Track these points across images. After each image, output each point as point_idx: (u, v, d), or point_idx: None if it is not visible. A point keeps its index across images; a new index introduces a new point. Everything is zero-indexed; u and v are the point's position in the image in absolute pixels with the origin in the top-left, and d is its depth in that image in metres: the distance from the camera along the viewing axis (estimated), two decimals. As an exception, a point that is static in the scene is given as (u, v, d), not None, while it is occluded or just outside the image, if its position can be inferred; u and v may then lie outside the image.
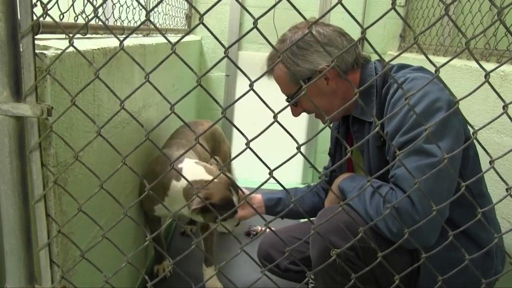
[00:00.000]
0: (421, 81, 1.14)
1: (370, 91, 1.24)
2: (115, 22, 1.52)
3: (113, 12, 1.49)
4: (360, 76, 1.29)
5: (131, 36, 1.63)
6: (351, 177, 1.30)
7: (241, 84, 3.28)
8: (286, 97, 1.37)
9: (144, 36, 1.78)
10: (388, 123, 1.16)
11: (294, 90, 1.30)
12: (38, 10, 0.83)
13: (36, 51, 0.78)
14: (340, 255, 1.12)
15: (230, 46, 0.67)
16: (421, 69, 1.24)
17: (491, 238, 1.16)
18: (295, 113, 1.37)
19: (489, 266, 1.19)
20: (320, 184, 1.62)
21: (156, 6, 0.70)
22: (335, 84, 1.27)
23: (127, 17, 1.60)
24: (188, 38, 2.88)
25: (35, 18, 0.75)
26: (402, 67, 1.26)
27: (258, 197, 1.63)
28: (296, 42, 1.22)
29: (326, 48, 1.22)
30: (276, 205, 1.59)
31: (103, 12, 1.37)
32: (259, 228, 2.45)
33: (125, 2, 1.56)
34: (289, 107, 1.34)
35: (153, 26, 0.72)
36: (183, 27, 2.92)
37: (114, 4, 1.48)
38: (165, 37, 0.68)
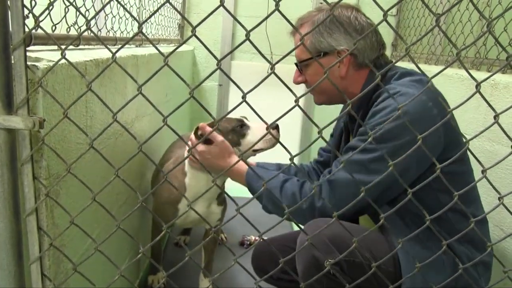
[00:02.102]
0: (406, 97, 1.13)
1: (367, 95, 1.24)
2: (108, 33, 1.52)
3: (105, 23, 1.49)
4: (368, 74, 1.29)
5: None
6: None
7: (234, 94, 3.28)
8: (295, 61, 1.36)
9: (137, 46, 1.78)
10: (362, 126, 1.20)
11: (307, 57, 1.30)
12: (30, 22, 0.83)
13: (28, 63, 0.78)
14: (324, 269, 1.12)
15: (223, 59, 0.67)
16: (420, 81, 1.23)
17: (471, 252, 1.18)
18: (296, 80, 1.37)
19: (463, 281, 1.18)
20: (312, 165, 1.67)
21: (148, 18, 0.70)
22: (345, 72, 1.27)
23: (119, 27, 1.60)
24: (181, 48, 2.88)
25: (27, 30, 0.74)
26: (404, 74, 1.25)
27: (252, 163, 1.62)
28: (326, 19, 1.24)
29: (356, 35, 1.24)
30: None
31: (96, 23, 1.37)
32: (253, 238, 2.44)
33: (118, 13, 1.56)
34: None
35: (148, 38, 0.72)
36: (175, 37, 2.92)
37: (106, 15, 1.48)
38: (158, 49, 0.68)
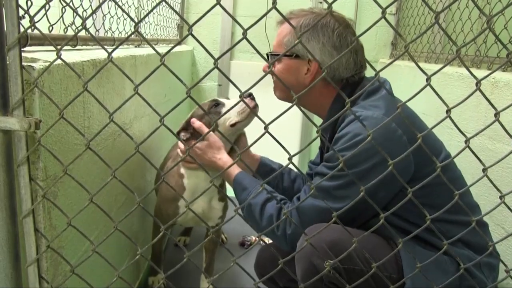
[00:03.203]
0: (367, 122, 1.13)
1: (337, 109, 1.26)
2: (106, 33, 1.51)
3: (103, 23, 1.48)
4: (337, 92, 1.28)
5: (122, 47, 1.63)
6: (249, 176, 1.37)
7: (233, 93, 3.27)
8: (268, 52, 1.37)
9: (135, 47, 1.78)
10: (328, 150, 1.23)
11: (280, 52, 1.29)
12: (27, 23, 0.82)
13: (24, 63, 0.77)
14: (322, 278, 1.11)
15: (220, 57, 0.67)
16: (383, 99, 1.20)
17: (470, 256, 1.18)
18: (265, 69, 1.36)
19: (466, 282, 1.17)
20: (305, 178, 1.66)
21: (144, 18, 0.69)
22: (310, 82, 1.27)
23: (117, 28, 1.59)
24: (180, 48, 2.87)
25: (22, 30, 0.74)
26: (370, 93, 1.22)
27: (257, 156, 1.63)
28: (315, 23, 1.22)
29: (332, 51, 1.23)
30: (268, 174, 1.57)
31: (93, 23, 1.36)
32: (253, 238, 2.44)
33: (116, 13, 1.56)
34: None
35: (144, 37, 0.72)
36: (175, 37, 2.91)
37: (104, 15, 1.47)
38: (154, 49, 0.67)
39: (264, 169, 1.59)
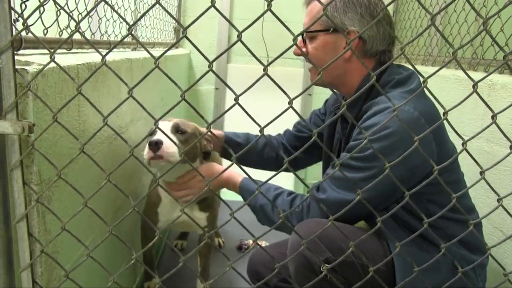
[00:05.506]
0: (397, 114, 1.12)
1: (361, 96, 1.22)
2: (102, 37, 1.50)
3: (99, 27, 1.48)
4: (373, 67, 1.25)
5: (118, 50, 1.62)
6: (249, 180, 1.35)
7: (231, 97, 3.26)
8: (301, 31, 1.35)
9: (132, 50, 1.77)
10: (352, 139, 1.20)
11: (316, 28, 1.26)
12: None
13: (18, 67, 0.76)
14: (315, 270, 1.11)
15: (214, 60, 0.66)
16: (412, 92, 1.17)
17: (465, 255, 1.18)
18: (297, 51, 1.31)
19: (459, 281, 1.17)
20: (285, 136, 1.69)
21: (138, 20, 0.69)
22: (351, 54, 1.23)
23: (113, 31, 1.59)
24: (177, 51, 2.87)
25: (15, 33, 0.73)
26: (399, 82, 1.20)
27: (221, 134, 1.63)
28: None
29: (371, 21, 1.20)
30: (235, 149, 1.54)
31: (89, 26, 1.36)
32: (251, 242, 2.43)
33: (112, 16, 1.55)
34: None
35: (140, 40, 0.71)
36: (171, 41, 2.91)
37: (100, 18, 1.47)
38: (148, 51, 0.67)
39: (230, 144, 1.59)
